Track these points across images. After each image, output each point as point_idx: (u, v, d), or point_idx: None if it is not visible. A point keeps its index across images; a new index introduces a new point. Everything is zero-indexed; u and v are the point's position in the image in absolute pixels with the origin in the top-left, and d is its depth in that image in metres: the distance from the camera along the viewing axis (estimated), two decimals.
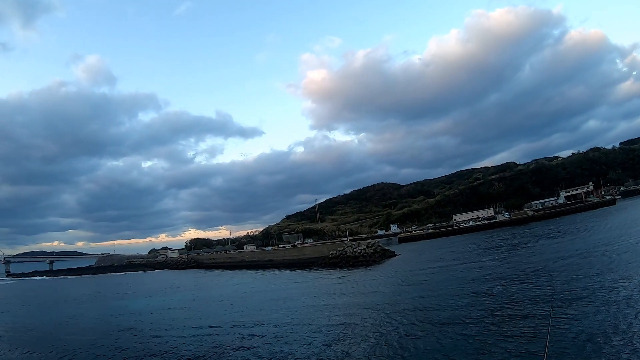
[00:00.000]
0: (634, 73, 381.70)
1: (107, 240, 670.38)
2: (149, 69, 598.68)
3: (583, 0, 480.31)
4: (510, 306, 25.84)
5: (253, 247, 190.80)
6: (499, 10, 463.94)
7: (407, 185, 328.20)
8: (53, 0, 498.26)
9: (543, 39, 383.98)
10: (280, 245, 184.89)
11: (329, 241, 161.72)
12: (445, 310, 27.27)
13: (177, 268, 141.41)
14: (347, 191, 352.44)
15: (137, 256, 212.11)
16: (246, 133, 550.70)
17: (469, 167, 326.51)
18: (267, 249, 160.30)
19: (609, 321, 19.76)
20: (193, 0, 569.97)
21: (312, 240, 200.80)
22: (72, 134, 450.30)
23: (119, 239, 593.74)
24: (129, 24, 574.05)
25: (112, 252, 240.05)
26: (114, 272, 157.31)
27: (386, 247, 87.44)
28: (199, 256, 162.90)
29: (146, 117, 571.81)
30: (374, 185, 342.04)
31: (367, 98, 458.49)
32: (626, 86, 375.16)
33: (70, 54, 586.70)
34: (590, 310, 21.94)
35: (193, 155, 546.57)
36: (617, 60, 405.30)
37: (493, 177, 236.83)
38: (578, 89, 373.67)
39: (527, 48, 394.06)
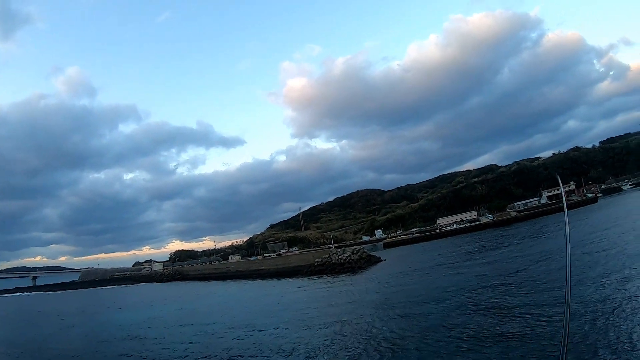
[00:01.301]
0: (611, 73, 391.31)
1: (90, 254, 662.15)
2: (128, 80, 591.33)
3: (559, 3, 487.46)
4: (496, 309, 24.86)
5: (238, 257, 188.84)
6: (477, 15, 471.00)
7: (391, 190, 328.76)
8: (33, 11, 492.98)
9: (521, 41, 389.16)
10: (265, 255, 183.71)
11: (314, 249, 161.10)
12: (431, 315, 26.31)
13: (162, 281, 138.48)
14: (331, 198, 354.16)
15: (121, 269, 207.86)
16: (228, 143, 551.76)
17: (452, 170, 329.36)
18: (252, 258, 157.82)
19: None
20: (173, 10, 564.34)
21: (297, 249, 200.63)
22: (53, 147, 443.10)
23: (102, 252, 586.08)
24: (108, 34, 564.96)
25: (95, 266, 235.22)
26: (99, 286, 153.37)
27: (371, 253, 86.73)
28: (183, 268, 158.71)
29: (127, 128, 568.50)
30: (358, 191, 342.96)
31: (348, 105, 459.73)
32: (604, 86, 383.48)
33: (51, 65, 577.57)
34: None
35: (175, 166, 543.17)
36: (595, 61, 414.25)
37: (476, 179, 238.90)
38: (557, 90, 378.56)
39: (506, 51, 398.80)
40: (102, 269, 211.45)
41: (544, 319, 20.45)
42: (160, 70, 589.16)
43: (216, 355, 24.35)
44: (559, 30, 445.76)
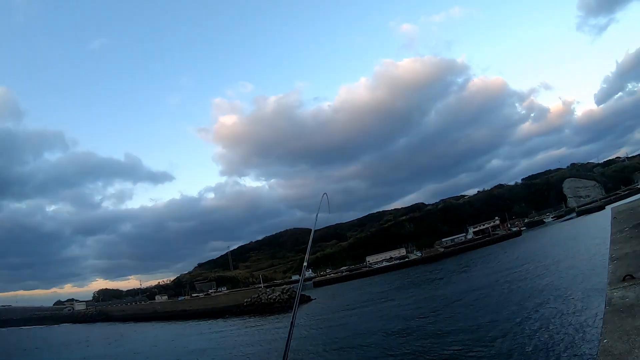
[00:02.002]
0: (532, 115, 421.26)
1: (8, 291, 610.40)
2: (57, 105, 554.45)
3: (485, 50, 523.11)
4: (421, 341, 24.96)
5: (165, 297, 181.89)
6: (407, 60, 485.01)
7: (320, 229, 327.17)
8: None
9: (448, 86, 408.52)
10: (193, 295, 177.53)
11: (243, 289, 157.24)
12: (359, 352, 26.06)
13: (85, 321, 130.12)
14: (260, 237, 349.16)
15: (41, 308, 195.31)
16: (156, 178, 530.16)
17: (380, 209, 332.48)
18: (179, 298, 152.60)
19: None
20: (108, 37, 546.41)
21: (225, 289, 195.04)
22: None
23: (21, 289, 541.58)
24: (38, 56, 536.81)
25: (13, 304, 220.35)
26: (18, 325, 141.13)
27: (301, 292, 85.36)
28: (108, 308, 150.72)
29: (52, 156, 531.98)
30: (287, 230, 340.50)
31: (278, 143, 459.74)
32: (525, 127, 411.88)
33: None
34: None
35: (100, 199, 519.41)
36: (517, 104, 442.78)
37: (403, 217, 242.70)
38: (482, 131, 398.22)
39: (433, 94, 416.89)
40: (21, 307, 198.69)
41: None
42: (89, 97, 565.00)
43: None
44: (484, 75, 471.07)
